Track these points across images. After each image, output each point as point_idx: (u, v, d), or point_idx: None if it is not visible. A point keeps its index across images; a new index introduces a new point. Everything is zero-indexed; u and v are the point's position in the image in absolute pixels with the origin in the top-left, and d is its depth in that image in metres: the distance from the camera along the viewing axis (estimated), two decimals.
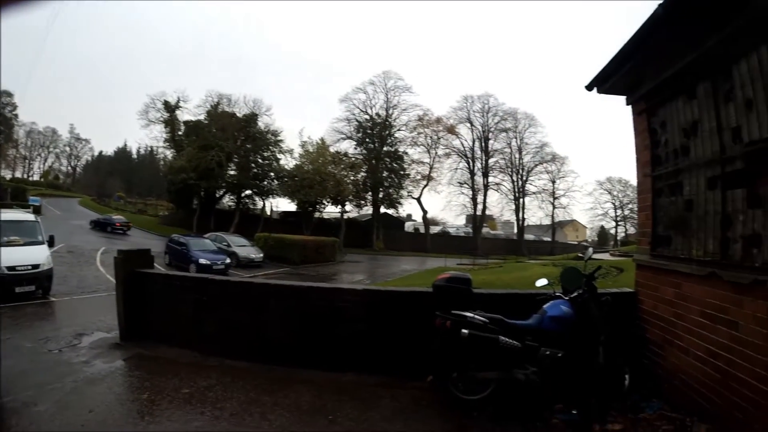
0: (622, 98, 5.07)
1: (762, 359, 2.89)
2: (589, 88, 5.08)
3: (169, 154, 45.99)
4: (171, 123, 44.12)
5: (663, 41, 3.80)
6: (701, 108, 3.70)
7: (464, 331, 4.00)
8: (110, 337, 6.58)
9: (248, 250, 25.80)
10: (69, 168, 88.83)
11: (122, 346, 6.08)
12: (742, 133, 3.22)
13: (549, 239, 59.00)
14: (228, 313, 5.59)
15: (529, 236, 59.43)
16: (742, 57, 3.14)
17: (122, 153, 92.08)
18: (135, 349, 5.90)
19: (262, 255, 25.96)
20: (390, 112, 50.10)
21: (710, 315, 3.49)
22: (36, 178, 78.09)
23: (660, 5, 3.36)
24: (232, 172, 42.18)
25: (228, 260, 21.59)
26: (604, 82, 4.84)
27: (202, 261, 20.01)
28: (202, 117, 43.29)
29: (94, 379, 4.82)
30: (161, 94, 44.89)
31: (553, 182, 55.47)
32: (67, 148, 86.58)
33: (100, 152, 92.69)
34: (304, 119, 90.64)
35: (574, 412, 3.92)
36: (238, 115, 42.92)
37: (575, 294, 4.35)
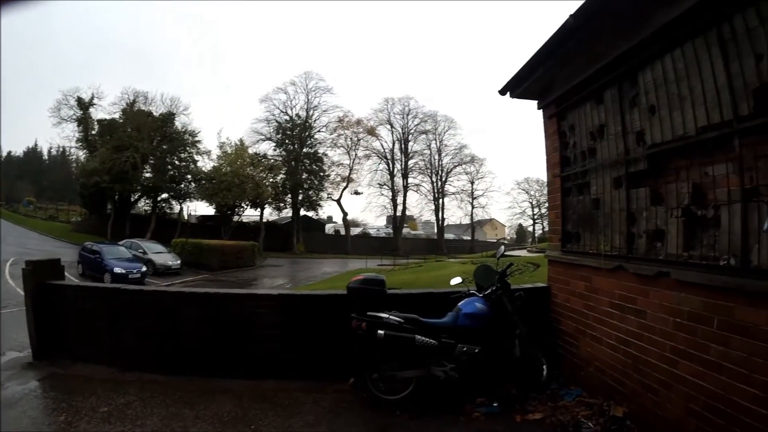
0: (535, 102, 5.33)
1: (669, 344, 3.15)
2: (502, 92, 5.28)
3: (82, 155, 42.04)
4: (84, 121, 40.13)
5: (573, 49, 4.04)
6: (608, 112, 3.98)
7: (380, 332, 4.02)
8: (23, 357, 5.93)
9: (165, 257, 24.64)
10: None
11: (35, 365, 5.52)
12: (645, 137, 3.50)
13: (468, 238, 61.03)
14: (143, 325, 5.26)
15: (449, 236, 61.27)
16: (647, 65, 3.41)
17: (32, 153, 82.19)
18: (49, 368, 5.40)
19: (179, 262, 24.89)
20: (310, 113, 49.29)
21: (619, 305, 3.75)
22: None
23: (571, 16, 3.56)
24: (147, 175, 39.38)
25: (144, 268, 20.76)
26: (517, 87, 5.06)
27: (117, 270, 19.15)
28: (117, 116, 39.85)
29: (8, 403, 4.35)
30: (75, 89, 40.57)
31: (472, 183, 57.55)
32: None
33: (9, 153, 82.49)
34: (223, 119, 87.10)
35: (495, 404, 4.06)
36: (154, 114, 40.10)
37: (489, 291, 4.49)
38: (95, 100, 40.76)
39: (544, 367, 4.38)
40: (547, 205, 5.79)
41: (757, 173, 2.53)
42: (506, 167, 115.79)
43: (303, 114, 48.88)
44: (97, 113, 41.00)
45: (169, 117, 40.46)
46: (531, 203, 63.81)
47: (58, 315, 5.77)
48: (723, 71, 2.70)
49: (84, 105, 40.25)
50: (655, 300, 3.30)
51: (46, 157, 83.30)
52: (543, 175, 5.40)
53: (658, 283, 3.27)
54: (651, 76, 3.37)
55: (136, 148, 36.24)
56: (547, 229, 58.70)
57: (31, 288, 5.76)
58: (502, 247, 5.85)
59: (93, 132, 40.17)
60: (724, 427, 2.63)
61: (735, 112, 2.64)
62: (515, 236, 71.65)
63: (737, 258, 2.64)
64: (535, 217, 63.76)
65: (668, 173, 3.28)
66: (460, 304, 4.43)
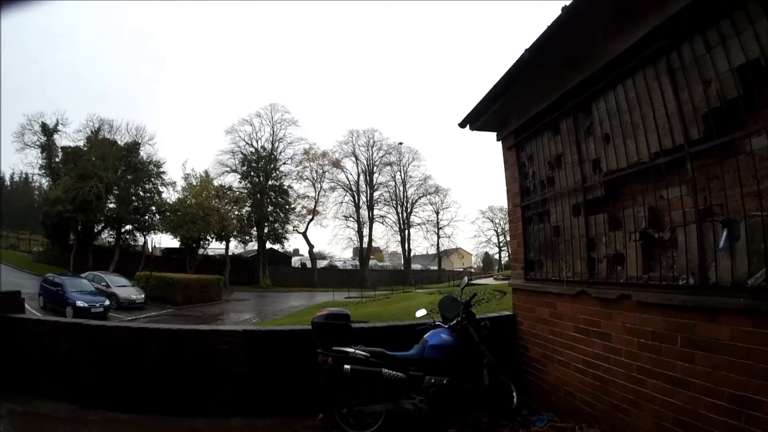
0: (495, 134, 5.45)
1: (635, 364, 3.17)
2: (462, 125, 5.40)
3: (45, 183, 40.43)
4: (48, 148, 38.64)
5: (528, 82, 4.18)
6: (564, 142, 4.11)
7: (346, 366, 3.94)
8: None
9: (129, 291, 24.01)
10: None
11: None
12: (601, 164, 3.62)
13: (436, 268, 61.28)
14: (106, 362, 5.02)
15: (416, 266, 61.33)
16: (600, 96, 3.56)
17: None
18: (7, 405, 5.05)
19: (143, 296, 24.26)
20: (276, 145, 49.07)
21: (584, 329, 3.78)
22: None
23: (526, 50, 3.71)
24: (111, 206, 38.07)
25: (107, 302, 20.29)
26: (476, 120, 5.19)
27: (80, 304, 18.65)
28: (81, 143, 38.67)
29: None
30: (39, 114, 38.99)
31: (437, 213, 58.02)
32: None
33: None
34: (188, 150, 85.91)
35: None
36: (119, 143, 39.16)
37: (454, 321, 4.50)
38: (60, 127, 39.42)
39: (514, 394, 4.35)
40: (509, 233, 5.88)
41: (710, 194, 2.64)
42: (470, 196, 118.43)
43: (268, 146, 48.69)
44: (62, 140, 39.68)
45: (134, 146, 39.62)
46: (496, 231, 65.05)
47: (17, 349, 5.54)
48: (673, 98, 2.84)
49: (48, 131, 38.87)
50: (618, 322, 3.34)
51: (8, 183, 79.45)
52: (506, 204, 5.50)
53: (620, 306, 3.32)
54: (605, 106, 3.52)
55: (100, 177, 35.24)
56: (511, 255, 59.89)
57: None
58: (466, 278, 5.89)
59: (57, 159, 38.73)
60: None
61: (686, 136, 2.76)
62: (482, 264, 72.43)
63: (696, 276, 2.71)
64: (501, 244, 64.79)
65: (625, 198, 3.39)
66: (426, 335, 4.41)
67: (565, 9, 3.16)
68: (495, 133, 5.46)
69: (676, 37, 2.77)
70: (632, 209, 3.29)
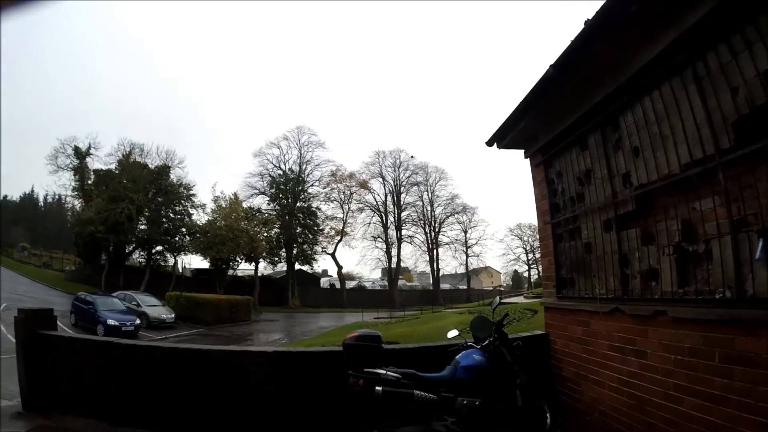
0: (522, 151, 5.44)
1: (672, 381, 3.07)
2: (489, 144, 5.42)
3: (77, 204, 42.03)
4: (81, 171, 40.43)
5: (554, 99, 4.19)
6: (593, 157, 4.08)
7: (378, 388, 3.90)
8: (12, 405, 5.70)
9: (159, 310, 24.34)
10: None
11: (25, 415, 5.31)
12: (631, 178, 3.57)
13: (465, 287, 60.56)
14: (136, 380, 5.12)
15: (445, 285, 60.76)
16: (628, 109, 3.54)
17: (28, 199, 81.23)
18: (38, 419, 5.18)
19: (173, 315, 24.57)
20: (303, 167, 50.00)
21: (619, 347, 3.68)
22: None
23: (551, 66, 3.72)
24: (142, 227, 39.38)
25: (138, 321, 20.51)
26: (503, 138, 5.20)
27: (111, 322, 18.84)
28: (113, 166, 40.32)
29: None
30: (72, 138, 40.84)
31: (465, 232, 57.78)
32: None
33: (5, 197, 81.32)
34: (218, 173, 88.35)
35: None
36: (150, 166, 40.62)
37: (486, 342, 4.42)
38: (92, 150, 40.97)
39: (548, 415, 4.24)
40: (540, 251, 5.82)
41: (744, 203, 2.57)
42: (498, 214, 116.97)
43: (296, 168, 49.60)
44: (94, 163, 41.28)
45: (164, 170, 40.91)
46: (525, 249, 63.65)
47: (49, 365, 5.65)
48: (701, 107, 2.81)
49: (81, 154, 40.47)
50: (654, 339, 3.25)
51: (41, 204, 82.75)
52: (535, 220, 5.46)
53: (656, 322, 3.23)
54: (632, 119, 3.49)
55: (131, 199, 36.45)
56: (542, 273, 58.78)
57: (23, 337, 5.66)
58: (498, 298, 5.83)
59: (89, 181, 40.35)
60: None
61: (716, 146, 2.71)
62: (511, 282, 71.16)
63: (732, 289, 2.63)
64: (530, 262, 63.49)
65: (657, 212, 3.32)
66: (458, 356, 4.35)
67: (588, 22, 3.18)
68: (522, 151, 5.44)
69: (700, 44, 2.75)
70: (665, 223, 3.22)
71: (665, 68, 3.05)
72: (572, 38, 3.38)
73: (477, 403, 4.00)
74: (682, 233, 3.06)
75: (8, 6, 1.42)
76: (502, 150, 5.51)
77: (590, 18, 3.15)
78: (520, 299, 28.94)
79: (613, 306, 3.73)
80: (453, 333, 5.15)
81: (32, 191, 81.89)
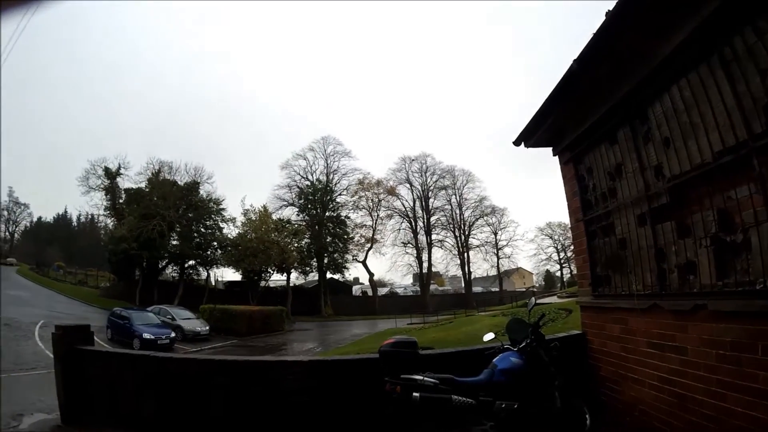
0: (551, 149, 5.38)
1: (714, 377, 2.98)
2: (516, 143, 5.38)
3: (110, 222, 43.86)
4: (112, 190, 42.10)
5: (579, 94, 4.13)
6: (623, 151, 4.00)
7: (415, 394, 3.89)
8: (51, 419, 5.97)
9: (193, 323, 24.80)
10: (6, 234, 79.76)
11: (64, 429, 5.54)
12: (663, 170, 3.49)
13: (497, 289, 59.78)
14: (171, 393, 5.20)
15: (477, 288, 60.15)
16: (655, 99, 3.46)
17: (62, 220, 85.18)
18: None
19: (208, 328, 24.97)
20: (330, 177, 50.61)
21: (658, 344, 3.59)
22: None
23: (574, 61, 3.68)
24: (174, 242, 40.52)
25: (173, 334, 20.78)
26: (530, 137, 5.16)
27: (146, 336, 19.20)
28: (143, 185, 41.62)
29: None
30: (102, 159, 42.65)
31: (495, 234, 57.35)
32: (5, 213, 76.08)
33: (39, 218, 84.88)
34: (246, 186, 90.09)
35: None
36: (179, 183, 41.81)
37: (523, 344, 4.36)
38: (122, 170, 42.58)
39: (587, 416, 4.17)
40: (572, 248, 5.72)
41: None
42: (528, 214, 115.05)
43: (323, 178, 50.20)
44: (124, 182, 42.80)
45: (193, 186, 42.00)
46: (556, 248, 62.65)
47: (87, 380, 5.80)
48: (730, 93, 2.73)
49: (111, 175, 42.03)
50: (694, 334, 3.17)
51: (75, 223, 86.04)
52: (565, 218, 5.38)
53: (695, 317, 3.14)
54: (661, 109, 3.42)
55: (162, 216, 37.51)
56: (575, 272, 57.68)
57: (61, 352, 5.86)
58: (533, 298, 5.75)
59: (120, 200, 41.82)
60: None
61: (749, 130, 2.63)
62: (543, 283, 69.83)
63: None
64: (562, 261, 62.41)
65: (691, 203, 3.24)
66: (494, 360, 4.30)
67: (609, 13, 3.14)
68: (551, 149, 5.38)
69: (725, 27, 2.68)
70: (700, 214, 3.13)
71: (691, 55, 2.98)
72: (594, 31, 3.35)
73: (515, 406, 3.96)
74: (719, 223, 2.97)
75: (8, 6, 1.46)
76: (530, 149, 5.46)
77: (611, 9, 3.11)
78: (553, 299, 28.45)
79: (651, 302, 3.65)
80: (489, 336, 5.10)
81: (65, 212, 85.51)
